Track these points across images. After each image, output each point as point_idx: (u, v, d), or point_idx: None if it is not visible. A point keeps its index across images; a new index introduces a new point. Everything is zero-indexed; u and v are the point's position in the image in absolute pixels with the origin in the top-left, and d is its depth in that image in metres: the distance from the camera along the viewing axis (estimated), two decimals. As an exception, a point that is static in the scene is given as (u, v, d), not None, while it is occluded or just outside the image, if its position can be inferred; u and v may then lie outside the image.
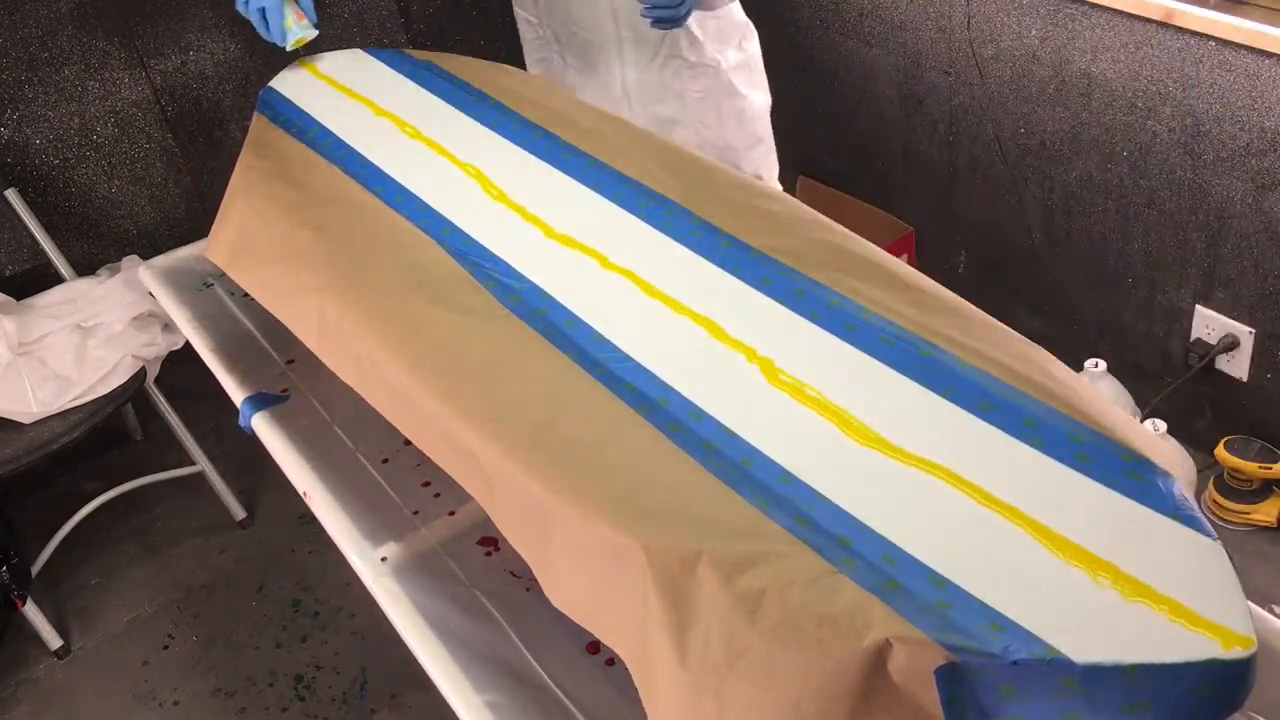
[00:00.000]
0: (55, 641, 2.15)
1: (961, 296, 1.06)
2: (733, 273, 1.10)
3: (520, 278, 1.16)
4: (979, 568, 0.79)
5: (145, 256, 1.78)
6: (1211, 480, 2.16)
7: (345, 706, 1.99)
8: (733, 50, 1.80)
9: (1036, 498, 0.84)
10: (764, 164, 1.93)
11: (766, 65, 1.90)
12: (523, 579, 1.11)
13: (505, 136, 1.39)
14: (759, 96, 1.88)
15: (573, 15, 1.73)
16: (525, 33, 1.88)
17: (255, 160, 1.47)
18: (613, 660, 1.04)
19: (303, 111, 1.54)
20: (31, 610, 2.13)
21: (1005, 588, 0.77)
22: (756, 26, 1.88)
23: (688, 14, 1.57)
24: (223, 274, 1.47)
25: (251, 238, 1.36)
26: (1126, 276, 2.26)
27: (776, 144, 1.95)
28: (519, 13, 1.86)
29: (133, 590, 2.29)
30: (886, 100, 2.48)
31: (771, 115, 1.92)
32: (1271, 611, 0.98)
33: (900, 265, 1.12)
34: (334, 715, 1.98)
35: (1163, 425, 1.91)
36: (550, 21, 1.78)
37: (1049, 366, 0.96)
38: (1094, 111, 2.12)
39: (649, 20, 1.57)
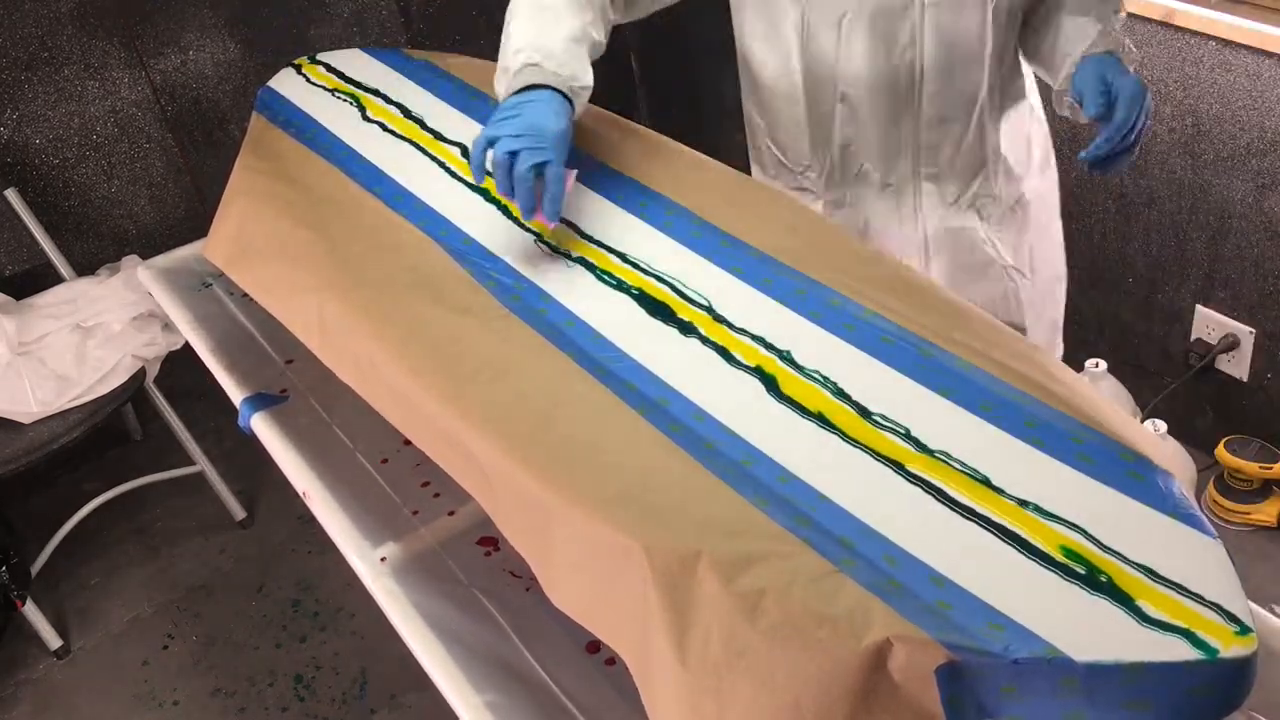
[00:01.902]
0: (55, 641, 2.15)
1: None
2: (733, 272, 1.10)
3: (519, 277, 1.16)
4: (979, 567, 0.79)
5: (145, 256, 1.78)
6: (1211, 480, 2.16)
7: (345, 706, 1.99)
8: (1035, 175, 1.47)
9: (1037, 497, 0.84)
10: (1060, 306, 1.62)
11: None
12: (523, 579, 1.11)
13: (505, 136, 1.38)
14: (1058, 226, 1.55)
15: (859, 155, 1.38)
16: (781, 176, 1.49)
17: (254, 160, 1.47)
18: (613, 660, 1.03)
19: (301, 111, 1.54)
20: (31, 610, 2.13)
21: (1005, 587, 0.77)
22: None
23: (1138, 141, 1.22)
24: (222, 274, 1.46)
25: (250, 237, 1.36)
26: (1126, 276, 2.26)
27: None
28: (764, 144, 1.49)
29: (133, 590, 2.29)
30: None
31: None
32: (1272, 611, 0.98)
33: (901, 265, 1.12)
34: (334, 715, 1.98)
35: (1163, 425, 1.91)
36: (817, 163, 1.42)
37: (1049, 366, 0.96)
38: (1094, 111, 2.12)
39: (1086, 163, 1.22)
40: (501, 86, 1.22)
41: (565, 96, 1.19)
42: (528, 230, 1.21)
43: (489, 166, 1.14)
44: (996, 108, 1.36)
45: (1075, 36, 1.29)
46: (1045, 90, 1.40)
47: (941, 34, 1.26)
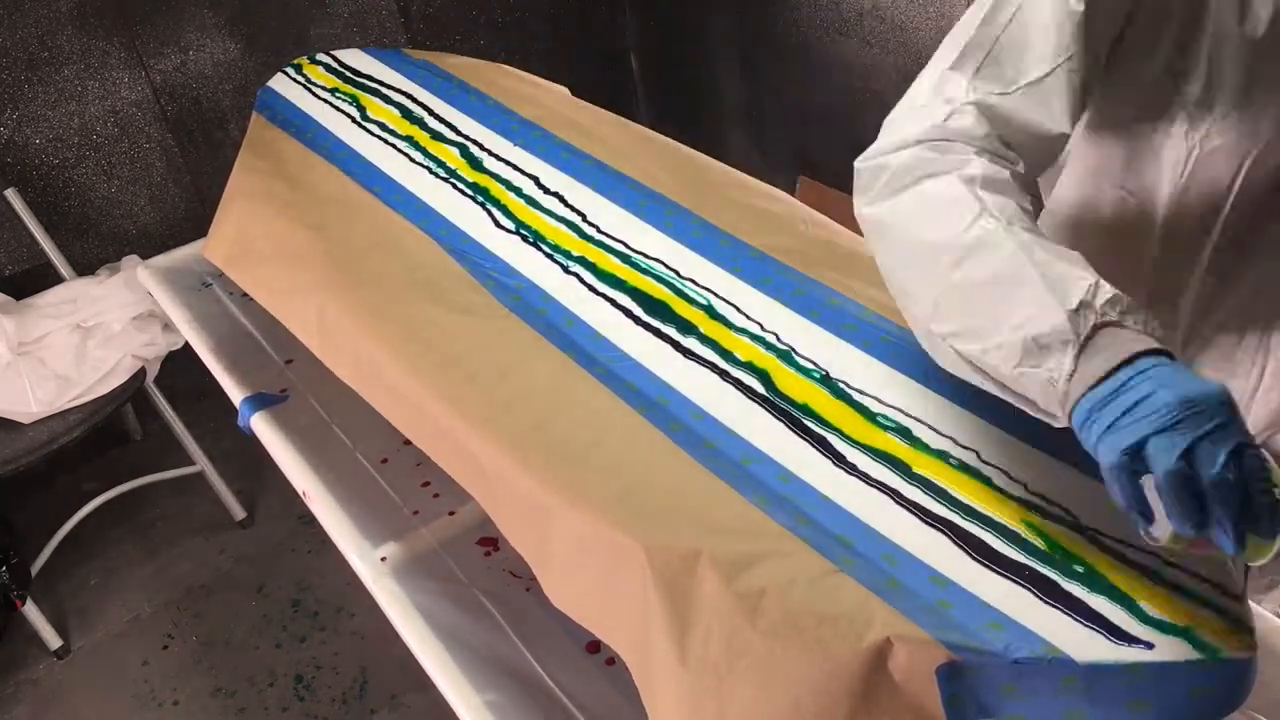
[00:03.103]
0: (55, 641, 2.15)
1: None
2: (733, 272, 1.10)
3: (519, 277, 1.16)
4: (980, 567, 0.79)
5: (145, 256, 1.78)
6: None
7: (345, 706, 1.99)
8: None
9: (1038, 498, 0.84)
10: None
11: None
12: (523, 579, 1.11)
13: (504, 136, 1.38)
14: None
15: (1210, 313, 1.03)
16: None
17: (254, 160, 1.47)
18: (613, 660, 1.03)
19: (301, 111, 1.54)
20: (31, 610, 2.13)
21: (1006, 586, 0.77)
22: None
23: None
24: (222, 273, 1.46)
25: (250, 237, 1.36)
26: (1127, 276, 2.25)
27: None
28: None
29: (132, 590, 2.29)
30: (886, 100, 2.48)
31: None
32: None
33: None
34: (334, 715, 1.98)
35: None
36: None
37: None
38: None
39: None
40: (1055, 366, 0.74)
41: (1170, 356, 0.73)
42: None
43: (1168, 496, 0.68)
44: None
45: None
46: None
47: None
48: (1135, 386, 0.70)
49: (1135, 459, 0.69)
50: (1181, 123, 0.93)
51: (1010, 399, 0.79)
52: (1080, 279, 0.75)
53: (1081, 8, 0.85)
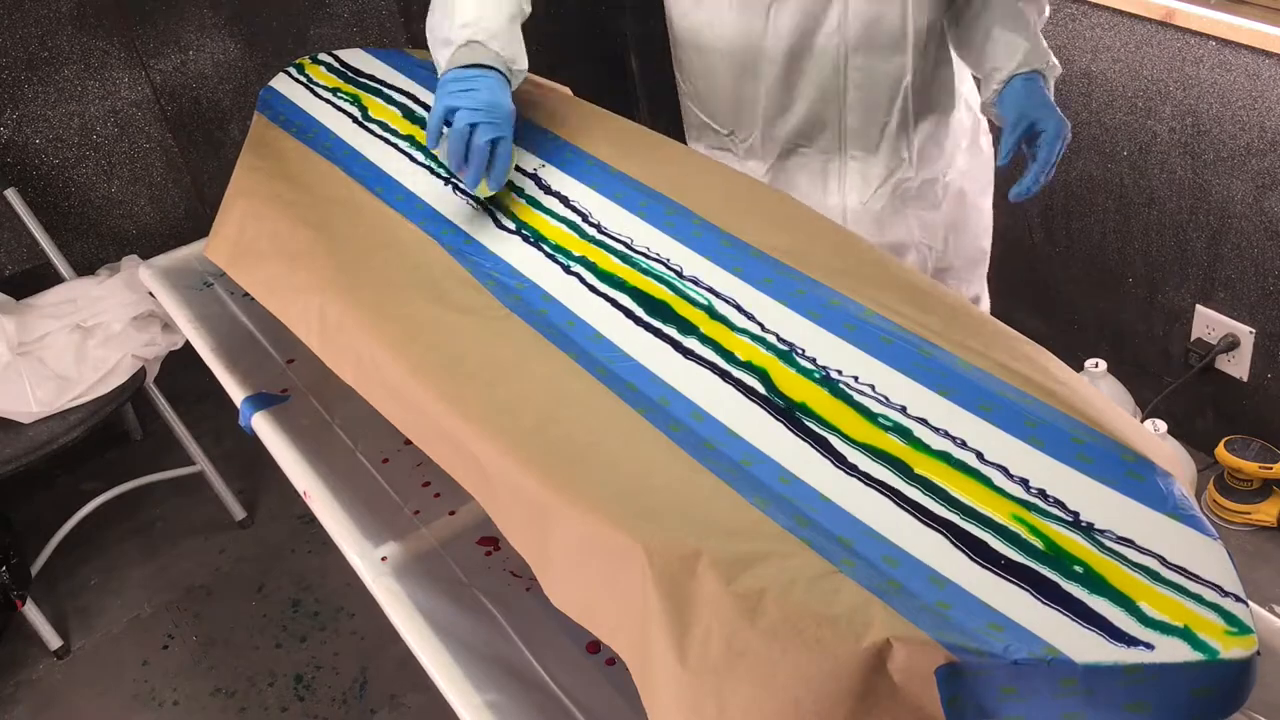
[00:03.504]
0: (55, 641, 2.15)
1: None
2: (733, 272, 1.10)
3: (520, 277, 1.16)
4: (979, 567, 0.79)
5: (145, 256, 1.78)
6: (1212, 480, 2.16)
7: (345, 706, 1.99)
8: (963, 155, 1.53)
9: (1038, 497, 0.84)
10: (982, 281, 1.66)
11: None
12: (523, 579, 1.11)
13: (505, 136, 1.39)
14: (987, 203, 1.60)
15: (783, 129, 1.44)
16: (704, 137, 1.55)
17: (255, 160, 1.47)
18: (613, 660, 1.03)
19: (303, 111, 1.54)
20: (31, 610, 2.13)
21: (1005, 587, 0.77)
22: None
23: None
24: (223, 273, 1.46)
25: (251, 237, 1.36)
26: (1126, 276, 2.26)
27: None
28: (696, 114, 1.54)
29: (132, 590, 2.29)
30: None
31: None
32: (1272, 611, 0.98)
33: (901, 265, 1.12)
34: (334, 715, 1.98)
35: (1163, 425, 1.91)
36: (741, 130, 1.47)
37: (1049, 366, 0.96)
38: (1094, 111, 2.12)
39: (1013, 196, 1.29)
40: (441, 57, 1.28)
41: (505, 78, 1.27)
42: (486, 210, 1.27)
43: (445, 134, 1.23)
44: (921, 96, 1.42)
45: (1003, 51, 1.33)
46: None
47: (865, 19, 1.33)
48: (467, 79, 1.25)
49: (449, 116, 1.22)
50: None
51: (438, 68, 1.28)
52: (475, 9, 1.27)
53: None
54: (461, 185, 1.28)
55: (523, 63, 1.30)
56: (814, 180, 1.48)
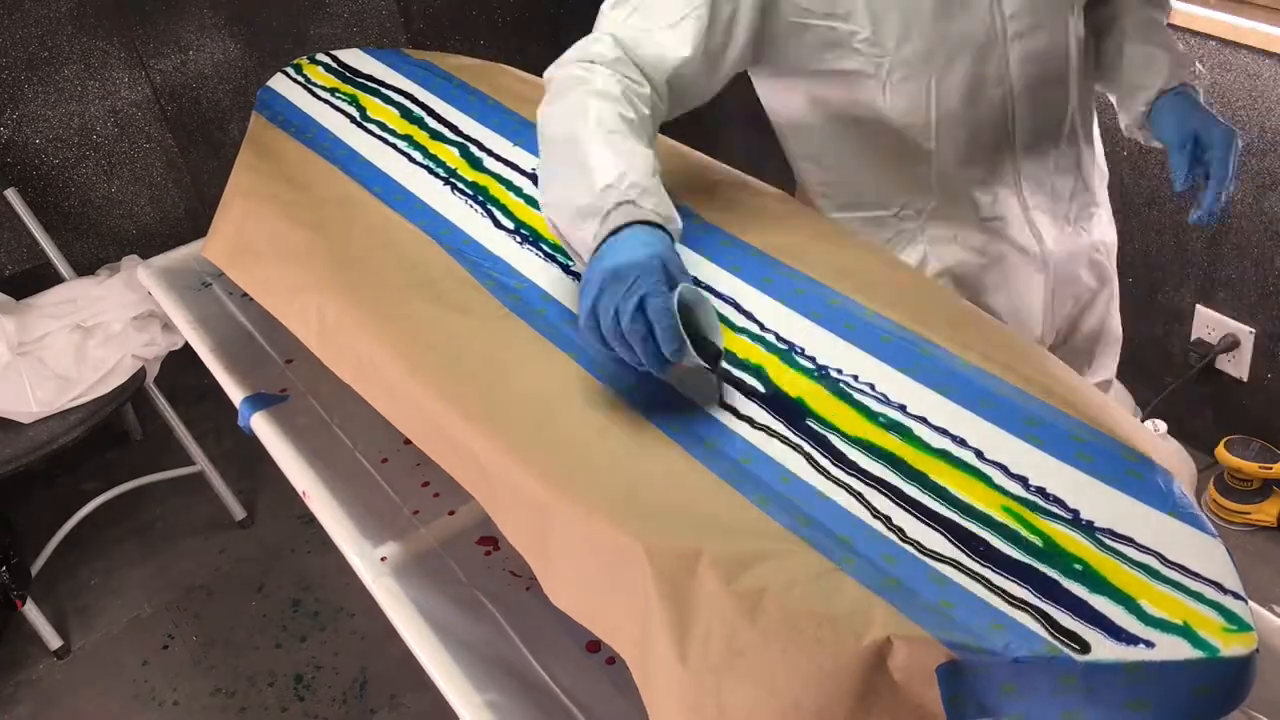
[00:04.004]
0: (55, 641, 2.15)
1: (962, 296, 1.05)
2: (732, 271, 1.10)
3: (519, 277, 1.16)
4: (979, 566, 0.79)
5: (145, 256, 1.78)
6: (1212, 480, 2.16)
7: (345, 706, 1.99)
8: (1099, 182, 1.41)
9: (1037, 495, 0.84)
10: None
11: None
12: (523, 579, 1.11)
13: (504, 135, 1.38)
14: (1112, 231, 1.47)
15: (951, 187, 1.27)
16: (844, 220, 1.32)
17: (254, 160, 1.47)
18: (613, 660, 1.03)
19: (301, 111, 1.54)
20: (31, 610, 2.13)
21: (1006, 585, 0.77)
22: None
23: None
24: (221, 274, 1.47)
25: (250, 237, 1.36)
26: (1126, 276, 2.25)
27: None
28: (824, 194, 1.33)
29: (132, 590, 2.29)
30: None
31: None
32: (1272, 611, 0.98)
33: (900, 264, 1.12)
34: (334, 715, 1.98)
35: (1163, 425, 1.91)
36: (913, 203, 1.28)
37: (1049, 365, 0.96)
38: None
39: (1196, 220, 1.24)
40: (583, 233, 0.99)
41: (665, 233, 0.99)
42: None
43: (612, 342, 0.94)
44: (1086, 122, 1.32)
45: (1144, 67, 1.25)
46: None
47: (1028, 63, 1.19)
48: (606, 252, 0.96)
49: (591, 318, 0.95)
50: (861, 60, 1.15)
51: (576, 259, 1.03)
52: (613, 166, 0.99)
53: None
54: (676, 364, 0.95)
55: (679, 222, 1.03)
56: (1001, 236, 1.30)
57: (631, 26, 1.11)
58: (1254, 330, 2.08)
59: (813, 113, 1.25)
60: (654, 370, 0.93)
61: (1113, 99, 1.33)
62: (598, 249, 0.97)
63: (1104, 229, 1.42)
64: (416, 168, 1.36)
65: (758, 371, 0.99)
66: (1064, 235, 1.33)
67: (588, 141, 1.02)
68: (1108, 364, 1.56)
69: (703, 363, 0.93)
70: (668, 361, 0.92)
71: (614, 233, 0.97)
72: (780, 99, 1.28)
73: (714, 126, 2.92)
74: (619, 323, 0.92)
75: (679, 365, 0.93)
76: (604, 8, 1.15)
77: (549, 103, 1.09)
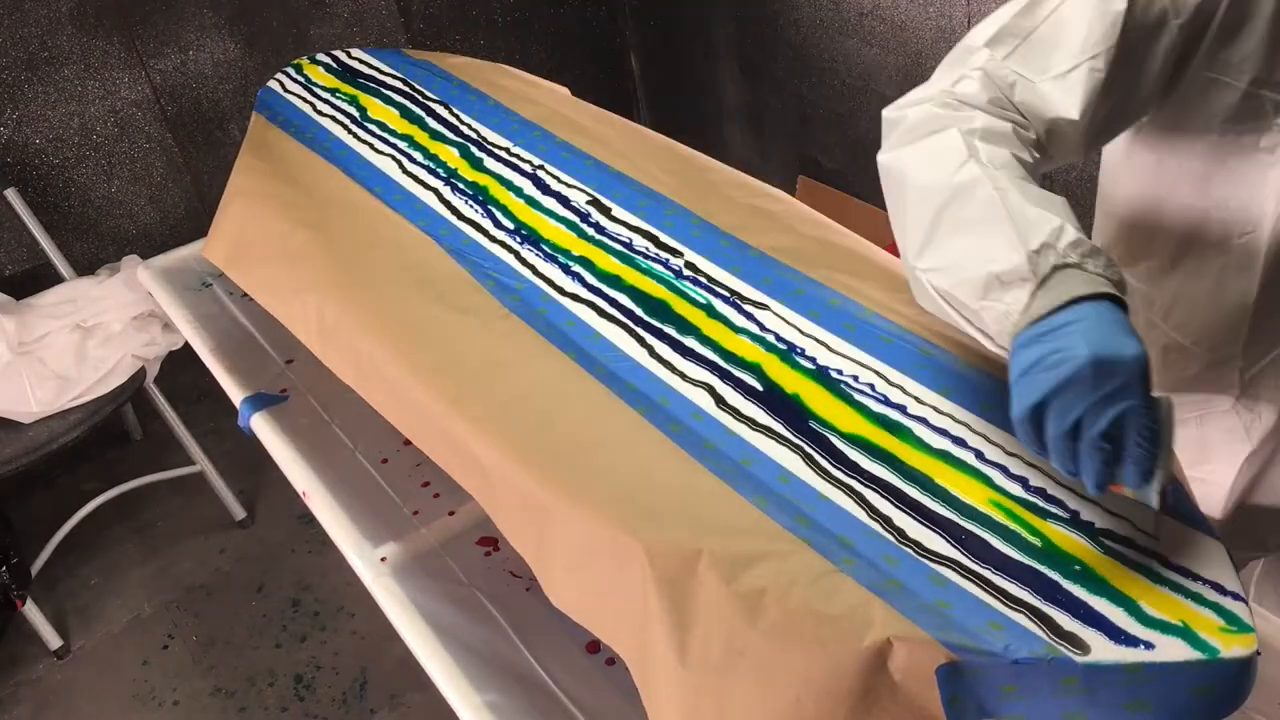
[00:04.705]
0: (55, 641, 2.15)
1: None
2: (732, 272, 1.10)
3: (519, 277, 1.16)
4: (979, 567, 0.79)
5: (145, 256, 1.78)
6: (1212, 480, 2.15)
7: (345, 706, 1.99)
8: None
9: (1037, 496, 0.84)
10: None
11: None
12: (523, 579, 1.11)
13: (504, 136, 1.39)
14: None
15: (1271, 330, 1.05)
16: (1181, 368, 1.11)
17: (254, 160, 1.47)
18: (613, 660, 1.03)
19: (301, 111, 1.54)
20: (31, 610, 2.13)
21: (1006, 586, 0.77)
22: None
23: None
24: (221, 274, 1.47)
25: (250, 237, 1.36)
26: (1127, 276, 2.25)
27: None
28: (1174, 339, 1.09)
29: (132, 590, 2.29)
30: (886, 100, 2.48)
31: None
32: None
33: (900, 264, 1.12)
34: (334, 715, 1.98)
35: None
36: (1257, 346, 1.05)
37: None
38: (1094, 111, 2.11)
39: None
40: (1005, 303, 0.79)
41: (1120, 304, 0.77)
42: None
43: (1054, 449, 0.76)
44: None
45: None
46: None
47: None
48: (1062, 332, 0.74)
49: (1035, 412, 0.74)
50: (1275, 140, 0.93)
51: (973, 332, 0.84)
52: (1047, 221, 0.78)
53: (1123, 6, 0.86)
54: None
55: (1128, 284, 0.85)
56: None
57: (1010, 70, 0.90)
58: (1254, 330, 2.08)
59: (1173, 197, 1.02)
60: (1090, 489, 0.76)
61: None
62: (1038, 321, 0.76)
63: None
64: (417, 168, 1.36)
65: (757, 371, 0.99)
66: None
67: (988, 187, 0.81)
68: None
69: (1155, 502, 0.76)
70: (1110, 483, 0.76)
71: (1061, 307, 0.76)
72: (1135, 162, 1.05)
73: (714, 126, 2.92)
74: (1080, 432, 0.74)
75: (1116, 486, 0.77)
76: (972, 40, 0.93)
77: (898, 146, 0.89)
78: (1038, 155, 0.89)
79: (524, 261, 1.18)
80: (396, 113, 1.49)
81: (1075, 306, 0.75)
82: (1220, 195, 0.99)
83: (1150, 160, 1.03)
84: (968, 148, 0.84)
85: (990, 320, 0.80)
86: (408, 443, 1.11)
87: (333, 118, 1.51)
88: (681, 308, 1.08)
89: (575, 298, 1.12)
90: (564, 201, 1.25)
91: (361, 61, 1.65)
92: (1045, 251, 0.77)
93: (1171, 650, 0.71)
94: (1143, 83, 0.91)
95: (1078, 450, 0.74)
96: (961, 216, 0.82)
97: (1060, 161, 0.94)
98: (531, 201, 1.26)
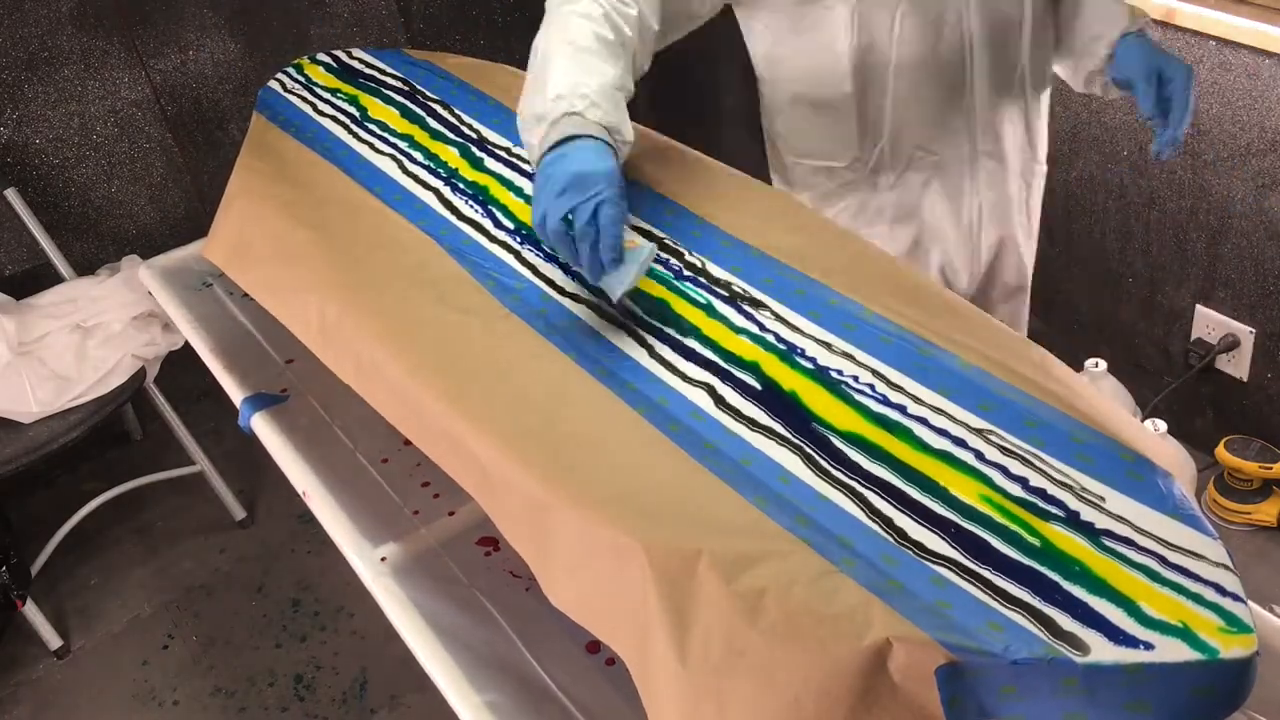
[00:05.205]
0: (55, 641, 2.15)
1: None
2: (732, 272, 1.10)
3: (519, 277, 1.16)
4: (979, 567, 0.79)
5: (145, 256, 1.78)
6: (1211, 480, 2.16)
7: (345, 706, 1.99)
8: (1042, 138, 1.53)
9: (1036, 497, 0.84)
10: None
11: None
12: (523, 579, 1.11)
13: (504, 135, 1.38)
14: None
15: (910, 135, 1.40)
16: (794, 181, 1.52)
17: (254, 160, 1.47)
18: (613, 660, 1.03)
19: (301, 111, 1.54)
20: (31, 610, 2.13)
21: (1005, 587, 0.77)
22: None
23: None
24: (222, 274, 1.47)
25: (250, 237, 1.36)
26: (1126, 276, 2.26)
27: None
28: (791, 155, 1.52)
29: (132, 590, 2.29)
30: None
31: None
32: (1272, 611, 0.98)
33: (900, 264, 1.12)
34: (334, 715, 1.98)
35: (1163, 425, 1.91)
36: (866, 150, 1.41)
37: (1049, 366, 0.96)
38: (1094, 111, 2.12)
39: (1158, 153, 1.30)
40: (534, 136, 1.10)
41: (609, 146, 1.09)
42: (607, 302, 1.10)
43: (553, 244, 1.05)
44: (1037, 83, 1.43)
45: (1103, 18, 1.36)
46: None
47: (986, 9, 1.31)
48: (560, 157, 1.05)
49: (546, 217, 1.03)
50: None
51: (532, 161, 1.11)
52: (568, 78, 1.10)
53: None
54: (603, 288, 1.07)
55: (629, 132, 1.13)
56: (940, 187, 1.44)
57: None
58: (1254, 330, 2.08)
59: (783, 49, 1.37)
60: (588, 276, 1.04)
61: (1065, 64, 1.45)
62: (546, 154, 1.06)
63: (1039, 194, 1.54)
64: (417, 168, 1.36)
65: (757, 371, 0.99)
66: (1002, 190, 1.46)
67: (555, 56, 1.12)
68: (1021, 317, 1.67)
69: (616, 294, 1.03)
70: (602, 271, 1.03)
71: (563, 141, 1.06)
72: (758, 41, 1.41)
73: (714, 126, 2.92)
74: (572, 224, 1.02)
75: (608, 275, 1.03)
76: None
77: (543, 26, 1.18)
78: (648, 27, 1.23)
79: (524, 261, 1.18)
80: (397, 113, 1.49)
81: (573, 141, 1.06)
82: (805, 42, 1.33)
83: (758, 28, 1.39)
84: (561, 28, 1.15)
85: (532, 150, 1.10)
86: (408, 443, 1.11)
87: (333, 118, 1.51)
88: (681, 308, 1.08)
89: (575, 298, 1.12)
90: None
91: (362, 61, 1.65)
92: (558, 100, 1.08)
93: (1171, 651, 0.71)
94: None
95: (575, 242, 1.02)
96: (535, 76, 1.14)
97: (685, 25, 1.36)
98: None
